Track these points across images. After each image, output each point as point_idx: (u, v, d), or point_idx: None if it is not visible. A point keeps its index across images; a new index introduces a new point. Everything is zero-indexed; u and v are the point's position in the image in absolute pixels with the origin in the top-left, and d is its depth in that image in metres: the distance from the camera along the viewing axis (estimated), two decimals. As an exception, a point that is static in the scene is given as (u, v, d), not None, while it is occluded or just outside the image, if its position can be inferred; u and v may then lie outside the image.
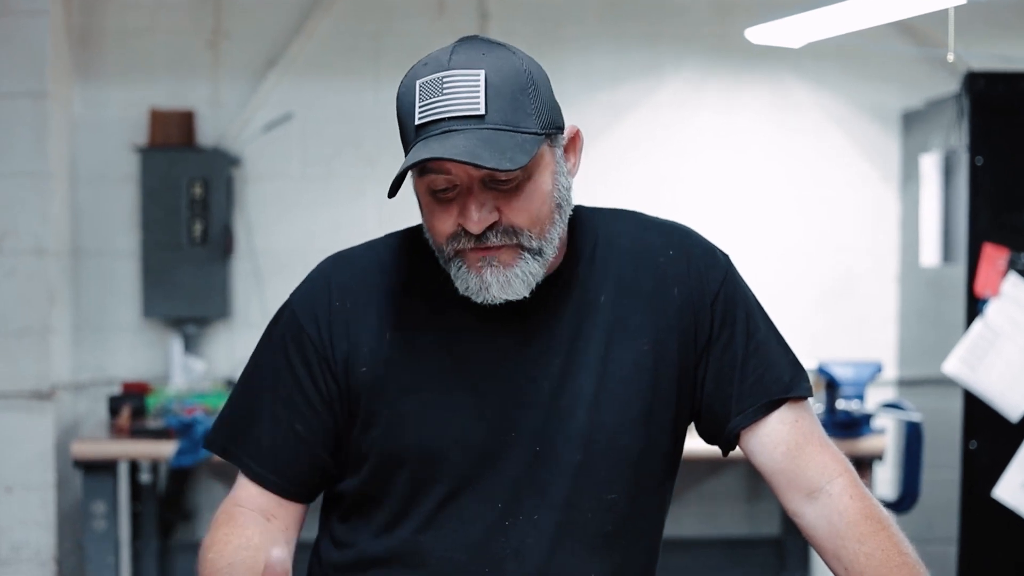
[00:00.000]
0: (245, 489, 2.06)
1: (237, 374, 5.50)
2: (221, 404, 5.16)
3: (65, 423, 5.46)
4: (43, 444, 5.31)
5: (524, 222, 1.90)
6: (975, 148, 4.93)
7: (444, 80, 1.86)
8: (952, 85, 5.34)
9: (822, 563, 5.73)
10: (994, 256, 4.87)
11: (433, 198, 1.91)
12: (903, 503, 4.89)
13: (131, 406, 5.21)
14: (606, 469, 2.00)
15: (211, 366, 5.77)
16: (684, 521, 5.91)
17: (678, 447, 2.10)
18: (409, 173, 1.90)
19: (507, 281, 1.91)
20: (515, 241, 1.90)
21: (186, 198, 5.60)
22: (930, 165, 5.27)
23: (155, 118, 5.67)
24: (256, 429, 2.04)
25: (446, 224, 1.91)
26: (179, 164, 5.62)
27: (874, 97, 5.97)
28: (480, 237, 1.89)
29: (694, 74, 5.94)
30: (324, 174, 5.86)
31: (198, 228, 5.61)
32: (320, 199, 5.85)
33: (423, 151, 1.83)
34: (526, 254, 1.91)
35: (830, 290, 6.00)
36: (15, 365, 5.29)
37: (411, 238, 2.08)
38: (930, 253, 5.28)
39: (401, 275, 2.04)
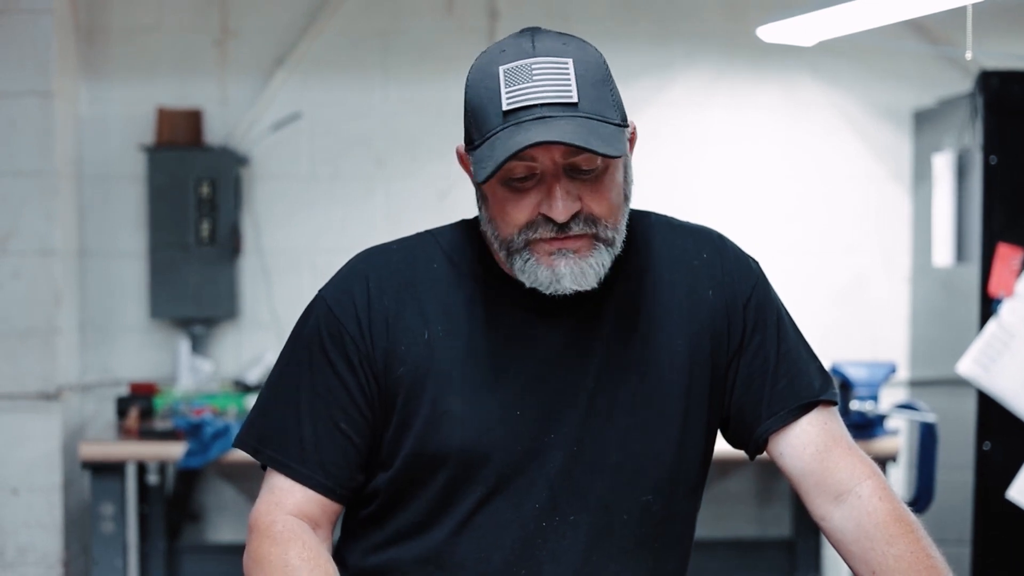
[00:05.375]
0: (290, 494, 1.98)
1: (245, 375, 5.54)
2: (229, 405, 5.20)
3: (72, 424, 5.43)
4: (50, 445, 5.28)
5: (603, 212, 1.90)
6: (989, 147, 4.91)
7: (533, 67, 1.86)
8: (965, 84, 5.31)
9: (833, 565, 5.73)
10: (1008, 256, 4.84)
11: (507, 187, 1.89)
12: (917, 504, 4.85)
13: (139, 407, 5.18)
14: (642, 471, 2.00)
15: (219, 367, 5.74)
16: (695, 523, 5.87)
17: (709, 449, 2.09)
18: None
19: (581, 272, 1.90)
20: (593, 231, 1.90)
21: (194, 198, 5.57)
22: (943, 164, 5.24)
23: (162, 117, 5.64)
24: (298, 430, 1.98)
25: (522, 213, 1.89)
26: (186, 163, 5.59)
27: (886, 96, 5.94)
28: (562, 226, 1.87)
29: (706, 72, 5.91)
30: (332, 173, 5.83)
31: (206, 228, 5.58)
32: (328, 198, 5.82)
33: (525, 134, 1.82)
34: (600, 245, 1.91)
35: (841, 290, 5.96)
36: (21, 366, 5.26)
37: (447, 236, 2.07)
38: (943, 253, 5.25)
39: (439, 273, 2.02)
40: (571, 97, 1.84)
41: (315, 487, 1.97)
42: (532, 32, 1.92)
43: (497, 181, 1.88)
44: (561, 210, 1.86)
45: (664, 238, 2.08)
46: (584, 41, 1.93)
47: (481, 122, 1.88)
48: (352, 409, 1.97)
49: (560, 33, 1.93)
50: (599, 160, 1.87)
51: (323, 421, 1.98)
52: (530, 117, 1.83)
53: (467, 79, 1.92)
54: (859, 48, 5.67)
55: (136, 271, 5.72)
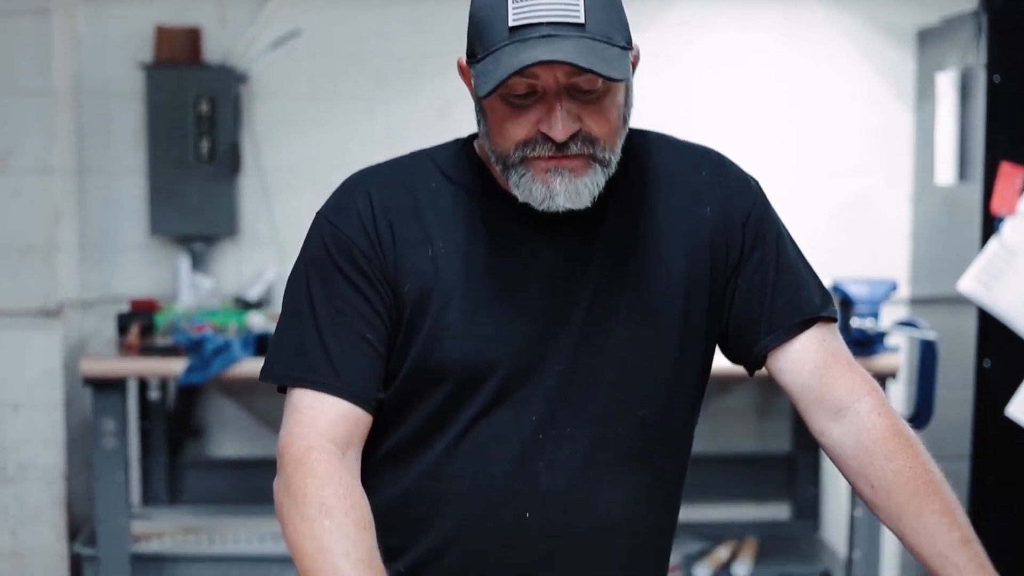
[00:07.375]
0: (322, 413, 1.94)
1: (246, 292, 5.55)
2: (229, 321, 5.20)
3: (73, 341, 5.45)
4: (51, 362, 5.30)
5: (602, 133, 1.90)
6: (993, 66, 4.87)
7: None
8: (969, 2, 5.26)
9: (833, 480, 5.75)
10: (1011, 174, 4.83)
11: (507, 103, 1.88)
12: (917, 420, 4.88)
13: (140, 323, 5.19)
14: (638, 385, 2.01)
15: (219, 283, 5.74)
16: (694, 438, 5.88)
17: (707, 366, 2.10)
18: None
19: (575, 191, 1.90)
20: (590, 151, 1.89)
21: (193, 115, 5.55)
22: (946, 83, 5.21)
23: (161, 35, 5.60)
24: (323, 346, 1.95)
25: (520, 129, 1.88)
26: (185, 81, 5.56)
27: (889, 14, 5.89)
28: (560, 145, 1.87)
29: (707, -11, 5.87)
30: (331, 92, 5.80)
31: (205, 145, 5.56)
32: (328, 117, 5.79)
33: (530, 52, 1.81)
34: (596, 165, 1.91)
35: (843, 209, 5.95)
36: (22, 283, 5.27)
37: (442, 155, 2.06)
38: (945, 172, 5.23)
39: (437, 191, 2.01)
40: (578, 17, 1.83)
41: (350, 399, 1.94)
42: None
43: (497, 97, 1.88)
44: (561, 130, 1.86)
45: (663, 156, 2.08)
46: None
47: (485, 36, 1.87)
48: (375, 319, 1.96)
49: None
50: (600, 82, 1.86)
51: (348, 334, 1.95)
52: (536, 35, 1.82)
53: None
54: (863, -36, 5.63)
55: (135, 189, 5.71)
